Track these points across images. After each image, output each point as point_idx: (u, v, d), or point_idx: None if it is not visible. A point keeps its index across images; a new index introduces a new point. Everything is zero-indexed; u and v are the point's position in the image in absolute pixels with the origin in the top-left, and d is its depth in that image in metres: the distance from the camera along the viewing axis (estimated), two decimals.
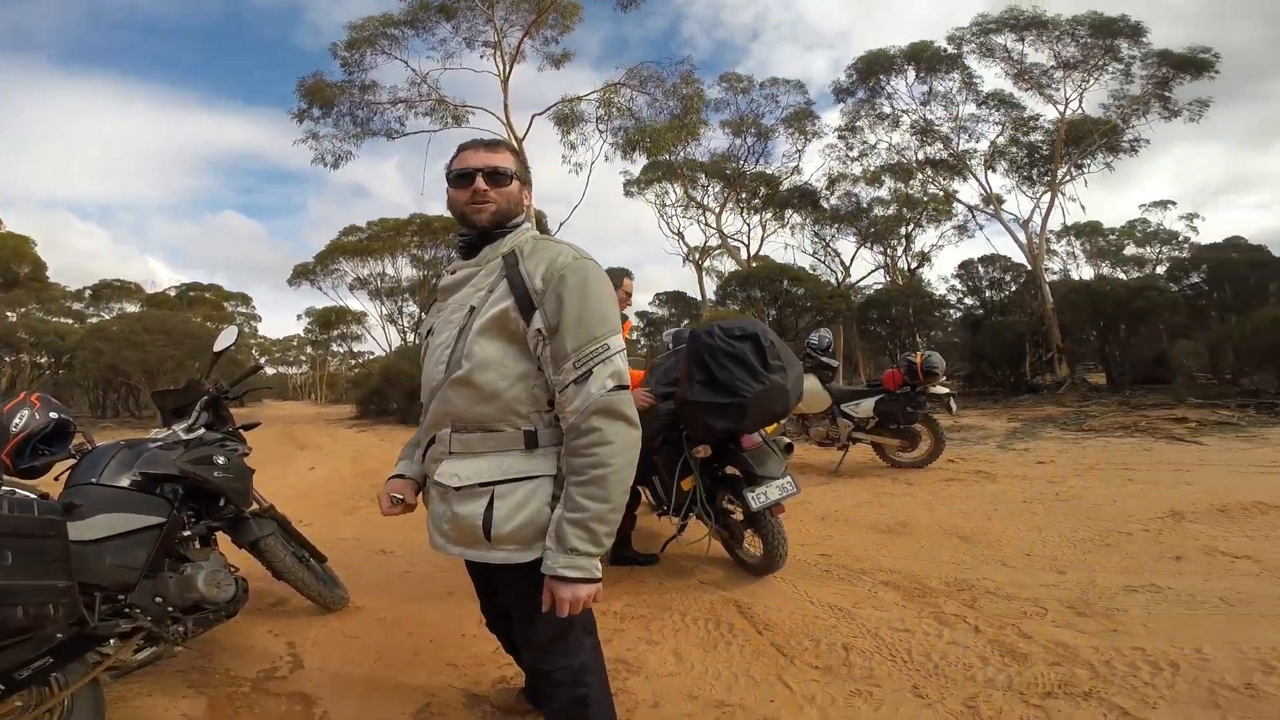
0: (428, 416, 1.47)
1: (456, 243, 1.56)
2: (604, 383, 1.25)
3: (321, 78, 14.90)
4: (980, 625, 2.44)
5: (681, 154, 19.84)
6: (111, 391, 21.81)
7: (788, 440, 3.78)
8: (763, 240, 22.98)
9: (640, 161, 18.01)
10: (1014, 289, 18.05)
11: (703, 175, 21.38)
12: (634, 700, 2.07)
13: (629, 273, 3.37)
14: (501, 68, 14.80)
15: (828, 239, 22.74)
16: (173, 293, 32.20)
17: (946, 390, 5.45)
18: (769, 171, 21.72)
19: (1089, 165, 16.39)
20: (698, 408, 2.89)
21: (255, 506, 2.81)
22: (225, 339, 2.85)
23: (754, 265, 21.31)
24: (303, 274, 24.69)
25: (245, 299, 38.07)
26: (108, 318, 24.22)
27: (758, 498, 2.92)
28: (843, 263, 23.04)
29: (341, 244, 22.97)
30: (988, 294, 18.50)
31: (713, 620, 2.67)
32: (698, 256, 23.94)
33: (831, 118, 40.13)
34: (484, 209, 1.40)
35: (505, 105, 14.83)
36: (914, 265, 22.17)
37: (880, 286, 23.27)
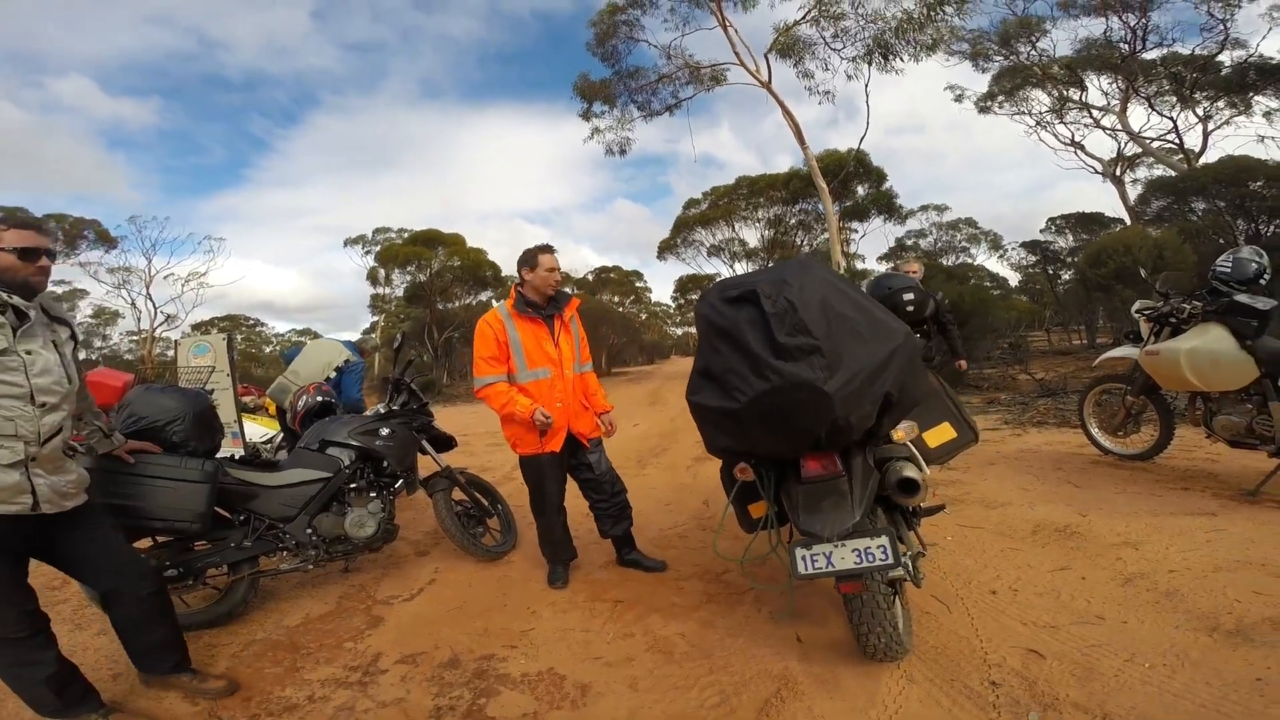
0: None
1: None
2: None
3: (587, 77, 16.28)
4: None
5: (1033, 53, 15.49)
6: None
7: (908, 475, 1.98)
8: (1205, 137, 16.72)
9: (927, 64, 14.75)
10: None
11: (1077, 71, 16.36)
12: None
13: None
14: (718, 14, 13.94)
15: None
16: (590, 277, 40.59)
17: None
18: (1185, 52, 15.82)
19: None
20: (696, 412, 2.08)
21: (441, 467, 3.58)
22: (394, 341, 3.82)
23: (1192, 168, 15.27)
24: (666, 249, 28.03)
25: (639, 275, 45.24)
26: None
27: (802, 562, 1.93)
28: None
29: (685, 218, 25.07)
30: None
31: (727, 704, 1.99)
32: (1115, 169, 18.64)
33: None
34: None
35: (734, 50, 14.12)
36: None
37: None
